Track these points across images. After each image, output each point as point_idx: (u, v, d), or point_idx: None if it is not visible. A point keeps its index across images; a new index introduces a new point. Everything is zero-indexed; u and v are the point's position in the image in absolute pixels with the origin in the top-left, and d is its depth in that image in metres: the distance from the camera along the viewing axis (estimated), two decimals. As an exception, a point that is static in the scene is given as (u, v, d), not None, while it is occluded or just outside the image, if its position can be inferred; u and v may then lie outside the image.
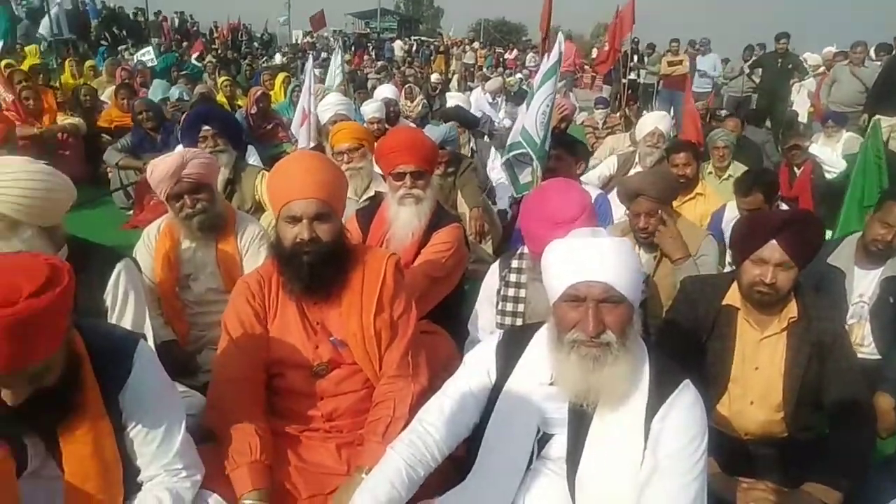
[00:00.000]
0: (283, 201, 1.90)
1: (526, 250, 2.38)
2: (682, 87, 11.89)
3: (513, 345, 1.75)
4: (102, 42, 17.12)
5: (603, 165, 5.04)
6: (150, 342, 2.13)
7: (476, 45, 25.47)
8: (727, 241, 3.43)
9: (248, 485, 1.68)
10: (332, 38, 25.81)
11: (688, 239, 2.83)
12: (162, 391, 1.62)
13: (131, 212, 5.24)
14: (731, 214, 3.62)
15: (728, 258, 3.34)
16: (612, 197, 3.84)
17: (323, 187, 1.89)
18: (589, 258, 1.54)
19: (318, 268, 1.89)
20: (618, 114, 8.94)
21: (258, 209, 3.69)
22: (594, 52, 23.83)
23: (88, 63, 10.77)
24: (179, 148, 3.78)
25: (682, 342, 2.19)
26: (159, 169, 2.58)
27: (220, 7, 27.66)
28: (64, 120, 6.10)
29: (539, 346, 1.69)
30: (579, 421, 1.61)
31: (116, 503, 1.54)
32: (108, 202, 5.52)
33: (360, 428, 1.92)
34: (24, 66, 8.35)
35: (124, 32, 19.10)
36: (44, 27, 9.72)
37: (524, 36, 47.16)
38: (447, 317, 2.83)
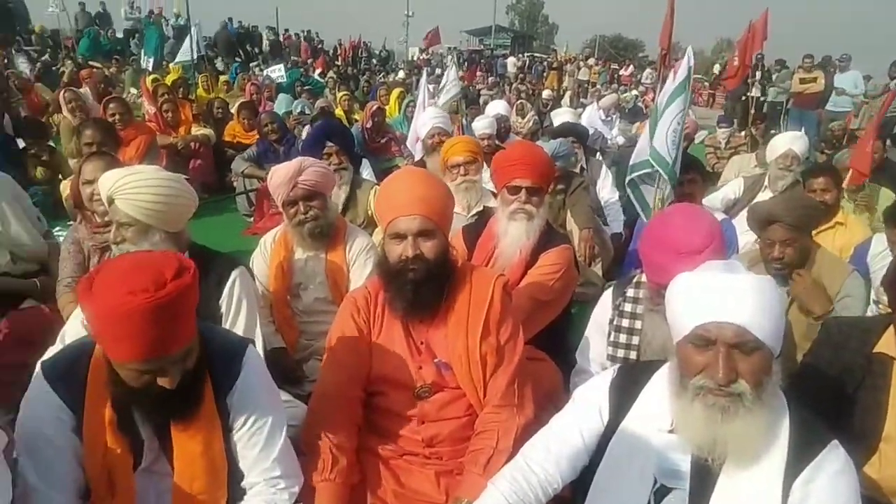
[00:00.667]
0: (388, 218, 1.88)
1: (643, 278, 2.22)
2: (814, 106, 11.05)
3: (629, 384, 1.61)
4: (237, 59, 18.43)
5: (728, 188, 4.69)
6: (260, 349, 2.18)
7: (591, 61, 25.05)
8: (872, 277, 3.07)
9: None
10: (446, 55, 26.31)
11: (830, 275, 2.54)
12: (267, 396, 1.65)
13: (252, 218, 5.51)
14: (879, 248, 3.23)
15: (873, 296, 2.98)
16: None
17: (428, 204, 1.86)
18: (722, 296, 1.38)
19: (423, 286, 1.84)
20: (742, 133, 8.39)
21: (370, 224, 3.74)
22: (716, 68, 22.73)
23: (223, 78, 11.60)
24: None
25: (823, 392, 1.94)
26: (278, 174, 2.69)
27: (344, 26, 29.01)
28: (197, 131, 6.55)
29: (658, 388, 1.54)
30: (703, 476, 1.44)
31: None
32: (232, 208, 5.84)
33: (461, 456, 1.85)
34: (168, 81, 9.09)
35: (256, 49, 20.44)
36: (184, 49, 10.60)
37: (640, 52, 45.86)
38: (553, 343, 2.71)
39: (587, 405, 1.64)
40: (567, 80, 20.27)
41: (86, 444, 1.51)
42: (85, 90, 8.59)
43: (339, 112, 8.34)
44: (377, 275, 2.00)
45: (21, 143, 5.64)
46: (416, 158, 5.53)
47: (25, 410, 1.53)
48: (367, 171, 4.85)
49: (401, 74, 18.48)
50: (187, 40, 10.47)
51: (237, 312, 2.21)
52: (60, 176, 5.35)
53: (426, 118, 5.27)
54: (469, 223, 3.16)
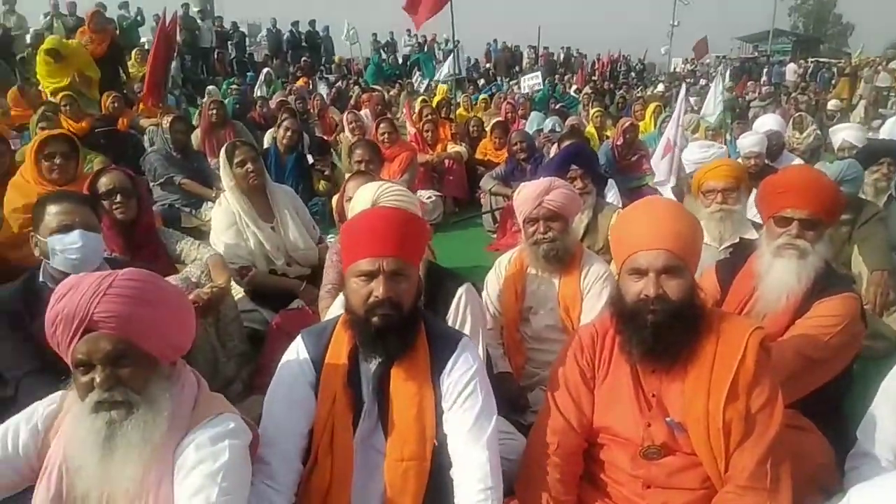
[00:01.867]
0: (627, 252, 1.71)
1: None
2: None
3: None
4: (495, 78, 19.37)
5: None
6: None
7: (893, 64, 21.09)
8: None
9: None
10: (713, 64, 24.42)
11: None
12: (480, 385, 1.70)
13: (495, 235, 5.65)
14: None
15: None
16: None
17: (675, 238, 1.66)
18: None
19: (663, 330, 1.64)
20: None
21: (609, 250, 3.54)
22: None
23: (482, 97, 12.24)
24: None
25: None
26: (526, 191, 2.72)
27: (605, 39, 28.60)
28: (452, 149, 6.95)
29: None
30: None
31: (422, 479, 1.65)
32: (478, 224, 6.06)
33: (690, 535, 1.60)
34: (433, 102, 9.85)
35: (517, 68, 21.24)
36: (447, 68, 11.38)
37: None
38: (823, 408, 2.22)
39: None
40: (861, 87, 17.32)
41: (320, 394, 1.70)
42: (365, 112, 9.72)
43: (590, 129, 8.19)
44: (610, 313, 1.83)
45: (310, 159, 6.56)
46: (659, 177, 5.15)
47: (280, 367, 1.78)
48: (612, 192, 4.64)
49: (660, 88, 17.62)
50: (450, 60, 11.20)
51: (462, 327, 2.23)
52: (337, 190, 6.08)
53: (695, 157, 4.55)
54: (724, 258, 2.79)
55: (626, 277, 1.73)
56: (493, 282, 2.86)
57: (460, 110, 10.60)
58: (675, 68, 25.45)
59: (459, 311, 2.23)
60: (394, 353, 1.68)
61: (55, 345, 1.40)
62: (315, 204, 5.43)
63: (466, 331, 2.22)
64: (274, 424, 1.69)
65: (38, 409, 1.49)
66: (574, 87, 17.49)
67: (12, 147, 4.45)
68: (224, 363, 2.81)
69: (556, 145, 6.42)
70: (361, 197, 2.37)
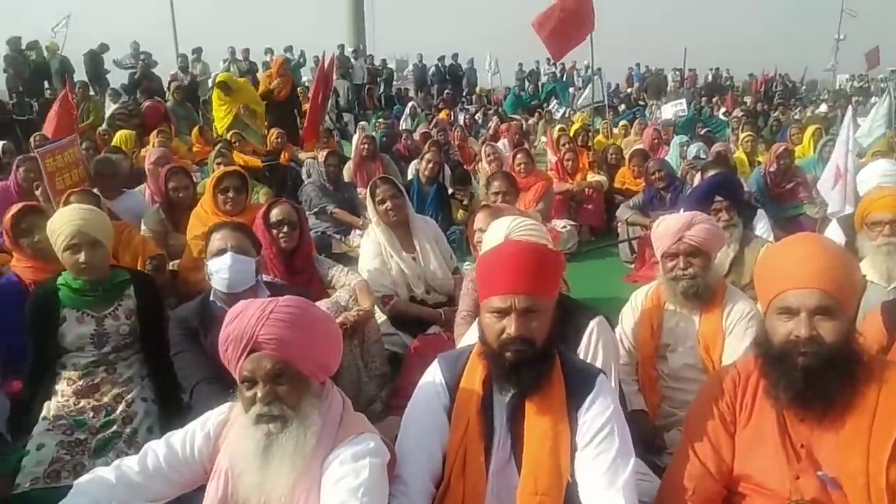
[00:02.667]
0: (776, 290, 1.62)
1: None
2: None
3: None
4: (640, 103, 18.86)
5: None
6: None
7: None
8: None
9: None
10: (888, 78, 22.01)
11: None
12: (618, 425, 1.67)
13: (633, 265, 5.50)
14: None
15: None
16: None
17: (830, 276, 1.56)
18: None
19: (817, 375, 1.53)
20: None
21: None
22: None
23: (622, 123, 11.99)
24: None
25: None
26: (665, 224, 2.65)
27: (758, 58, 26.84)
28: (592, 178, 6.88)
29: None
30: None
31: None
32: (614, 254, 5.93)
33: None
34: (571, 131, 9.81)
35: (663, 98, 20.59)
36: (586, 95, 11.26)
37: None
38: None
39: None
40: None
41: (453, 419, 1.75)
42: (503, 142, 9.91)
43: (739, 155, 7.73)
44: (754, 354, 1.74)
45: (450, 189, 6.80)
46: (833, 208, 4.71)
47: (417, 390, 1.87)
48: (763, 223, 4.35)
49: (822, 108, 16.20)
50: (589, 87, 11.11)
51: (592, 362, 2.21)
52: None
53: (871, 172, 4.28)
54: (892, 299, 2.53)
55: (773, 317, 1.64)
56: (629, 316, 2.81)
57: (599, 137, 10.45)
58: (839, 85, 23.28)
59: (591, 345, 2.22)
60: (527, 386, 1.70)
61: (226, 361, 1.60)
62: (453, 232, 5.62)
63: (598, 365, 2.20)
64: (410, 445, 1.77)
65: (211, 418, 1.70)
66: (722, 109, 16.58)
67: (194, 180, 5.07)
68: (366, 383, 2.99)
69: (700, 173, 6.16)
70: (494, 232, 2.44)
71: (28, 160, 4.84)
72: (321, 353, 1.63)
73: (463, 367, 1.82)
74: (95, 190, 4.19)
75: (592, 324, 2.23)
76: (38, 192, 4.43)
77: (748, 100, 19.04)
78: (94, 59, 13.96)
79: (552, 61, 21.52)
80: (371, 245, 3.71)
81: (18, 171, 4.78)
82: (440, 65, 19.67)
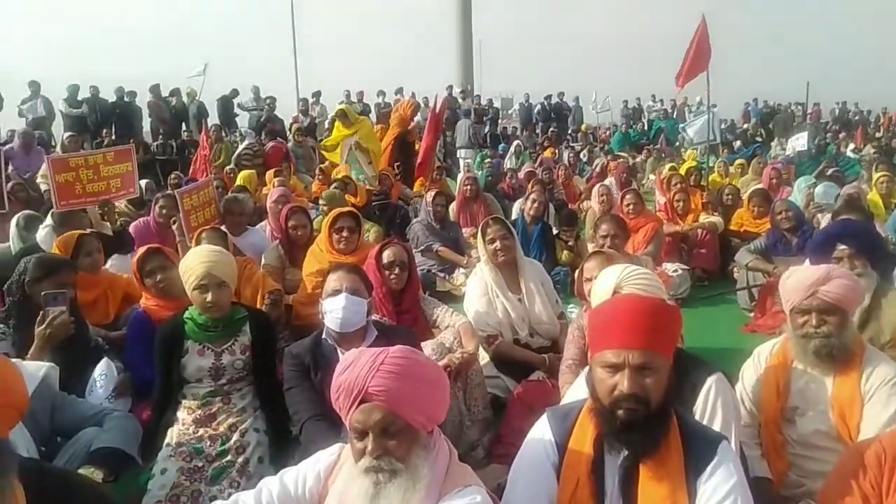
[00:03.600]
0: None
1: None
2: None
3: None
4: (757, 139, 17.91)
5: None
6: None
7: None
8: None
9: None
10: None
11: None
12: (739, 498, 1.57)
13: (752, 314, 5.15)
14: None
15: None
16: None
17: None
18: None
19: None
20: None
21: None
22: None
23: (738, 162, 11.41)
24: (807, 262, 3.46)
25: None
26: (796, 277, 2.46)
27: (887, 91, 24.77)
28: (705, 219, 6.56)
29: None
30: None
31: None
32: (730, 300, 5.58)
33: None
34: (682, 170, 9.47)
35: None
36: (699, 132, 10.77)
37: None
38: None
39: None
40: None
41: (561, 479, 1.70)
42: (610, 180, 9.71)
43: (873, 197, 7.11)
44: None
45: (554, 229, 6.72)
46: None
47: (525, 444, 1.83)
48: (905, 273, 3.94)
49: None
50: (702, 123, 10.67)
51: (710, 423, 2.07)
52: (581, 260, 6.11)
53: None
54: None
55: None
56: (751, 373, 2.61)
57: (713, 176, 10.00)
58: None
59: (709, 404, 2.09)
60: (640, 448, 1.63)
61: (337, 409, 1.64)
62: (557, 273, 5.54)
63: (716, 426, 2.06)
64: (516, 501, 1.73)
65: (321, 458, 1.74)
66: (850, 146, 15.39)
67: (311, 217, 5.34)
68: (468, 427, 2.97)
69: (826, 217, 5.73)
70: (604, 281, 2.38)
71: (165, 197, 5.29)
72: (430, 404, 1.64)
73: (572, 424, 1.77)
74: (223, 227, 4.52)
75: (710, 381, 2.10)
76: (174, 227, 4.81)
77: (879, 135, 17.59)
78: (226, 104, 15.22)
79: (656, 97, 21.03)
80: (478, 284, 3.73)
81: (155, 208, 5.24)
82: (546, 103, 19.73)
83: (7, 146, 9.64)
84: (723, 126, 13.80)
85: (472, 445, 2.94)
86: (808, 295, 2.35)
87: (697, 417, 2.07)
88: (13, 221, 5.07)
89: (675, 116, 19.28)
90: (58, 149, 9.44)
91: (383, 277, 3.30)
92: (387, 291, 3.30)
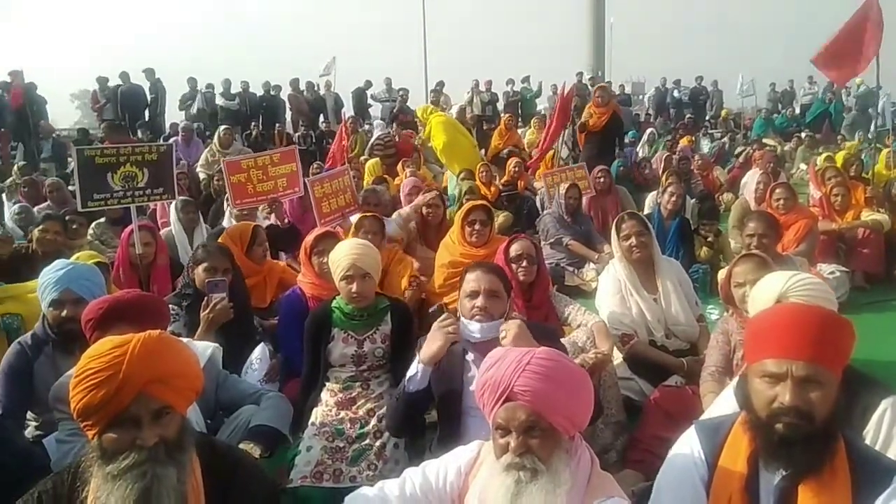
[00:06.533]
0: None
1: None
2: None
3: None
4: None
5: None
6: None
7: None
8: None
9: None
10: None
11: None
12: None
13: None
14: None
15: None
16: None
17: None
18: None
19: None
20: None
21: None
22: None
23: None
24: None
25: None
26: None
27: None
28: (867, 216, 5.91)
29: None
30: None
31: None
32: (898, 307, 5.02)
33: None
34: (839, 159, 8.60)
35: None
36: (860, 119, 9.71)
37: None
38: None
39: None
40: None
41: (712, 496, 1.62)
42: (754, 171, 9.03)
43: None
44: None
45: (693, 224, 6.35)
46: None
47: (671, 457, 1.76)
48: None
49: None
50: (871, 109, 9.60)
51: (884, 450, 1.89)
52: (721, 257, 5.74)
53: None
54: None
55: None
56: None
57: (878, 167, 8.99)
58: None
59: (882, 429, 1.91)
60: (801, 467, 1.51)
61: (482, 405, 1.66)
62: (696, 271, 5.24)
63: (892, 454, 1.87)
64: None
65: (462, 454, 1.78)
66: None
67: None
68: (601, 430, 2.90)
69: None
70: (766, 288, 2.21)
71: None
72: (574, 407, 1.61)
73: (724, 438, 1.67)
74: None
75: (885, 404, 1.92)
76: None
77: None
78: (360, 96, 15.86)
79: (813, 79, 19.10)
80: (611, 281, 3.61)
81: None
82: (679, 89, 18.61)
83: (171, 139, 10.73)
84: (893, 109, 12.13)
85: (605, 448, 2.87)
86: None
87: (868, 442, 1.89)
88: (172, 205, 5.65)
89: (830, 100, 17.45)
90: (214, 140, 10.28)
91: (512, 272, 3.29)
92: (517, 285, 3.27)
